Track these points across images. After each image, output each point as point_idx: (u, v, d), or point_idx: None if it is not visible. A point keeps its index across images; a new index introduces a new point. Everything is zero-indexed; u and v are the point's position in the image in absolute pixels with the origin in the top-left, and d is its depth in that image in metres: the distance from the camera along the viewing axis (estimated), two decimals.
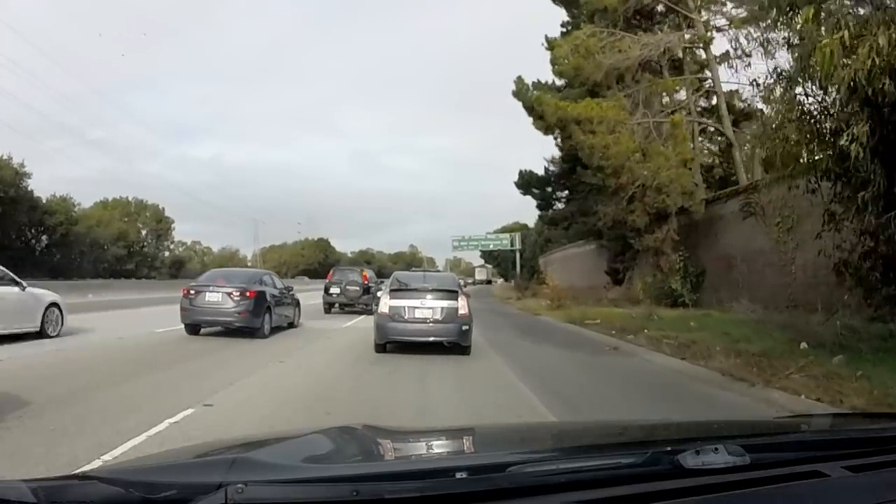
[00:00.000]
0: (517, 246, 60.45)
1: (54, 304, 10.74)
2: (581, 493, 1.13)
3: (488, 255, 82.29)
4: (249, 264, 76.61)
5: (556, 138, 24.40)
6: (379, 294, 11.82)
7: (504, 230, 70.35)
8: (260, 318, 11.55)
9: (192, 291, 11.64)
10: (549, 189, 32.17)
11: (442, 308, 9.55)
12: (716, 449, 1.21)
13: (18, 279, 10.30)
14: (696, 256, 18.84)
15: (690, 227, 19.22)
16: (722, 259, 17.74)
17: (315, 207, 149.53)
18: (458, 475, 1.13)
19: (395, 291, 9.88)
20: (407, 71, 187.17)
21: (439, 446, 1.80)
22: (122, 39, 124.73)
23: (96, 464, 3.77)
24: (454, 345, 9.58)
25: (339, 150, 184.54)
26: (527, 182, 32.37)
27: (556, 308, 21.04)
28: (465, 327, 9.54)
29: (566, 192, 30.86)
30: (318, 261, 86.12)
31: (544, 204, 34.73)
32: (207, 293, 11.51)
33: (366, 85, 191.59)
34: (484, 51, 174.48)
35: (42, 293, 10.83)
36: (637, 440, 1.74)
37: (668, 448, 1.25)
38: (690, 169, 19.29)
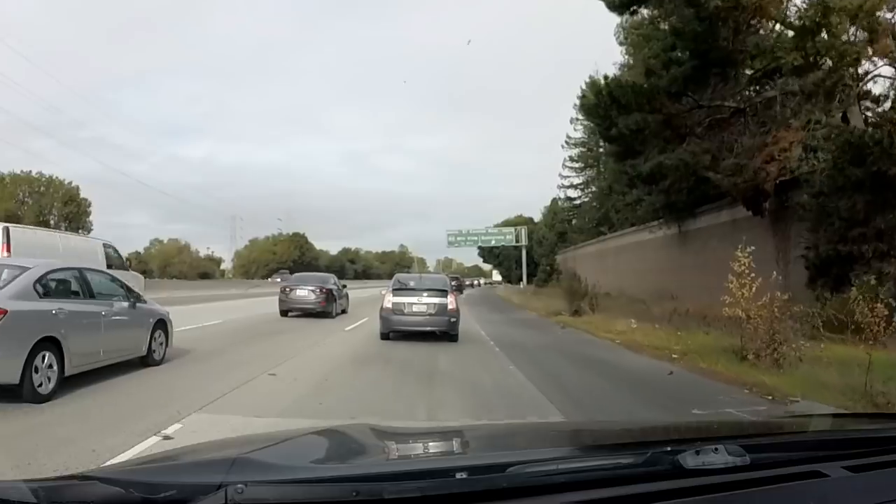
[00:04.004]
0: (523, 242, 53.77)
1: None
2: (581, 493, 1.13)
3: (488, 253, 76.75)
4: (225, 265, 71.61)
5: None
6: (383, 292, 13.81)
7: (507, 224, 63.70)
8: (331, 306, 17.40)
9: (287, 289, 17.57)
10: (654, 110, 15.39)
11: (435, 304, 11.47)
12: (716, 449, 1.21)
13: None
14: None
15: None
16: None
17: (307, 209, 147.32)
18: (459, 475, 1.13)
19: (397, 290, 11.73)
20: (402, 72, 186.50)
21: (439, 446, 1.80)
22: (114, 38, 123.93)
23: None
24: (444, 333, 11.52)
25: (330, 151, 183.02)
26: (607, 99, 16.26)
27: (770, 356, 8.56)
28: (452, 319, 11.50)
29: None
30: (292, 259, 76.97)
31: (630, 137, 16.34)
32: (297, 290, 17.34)
33: (359, 85, 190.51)
34: (479, 53, 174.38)
35: None
36: (637, 440, 1.74)
37: (668, 448, 1.25)
38: None
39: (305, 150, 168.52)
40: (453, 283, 34.02)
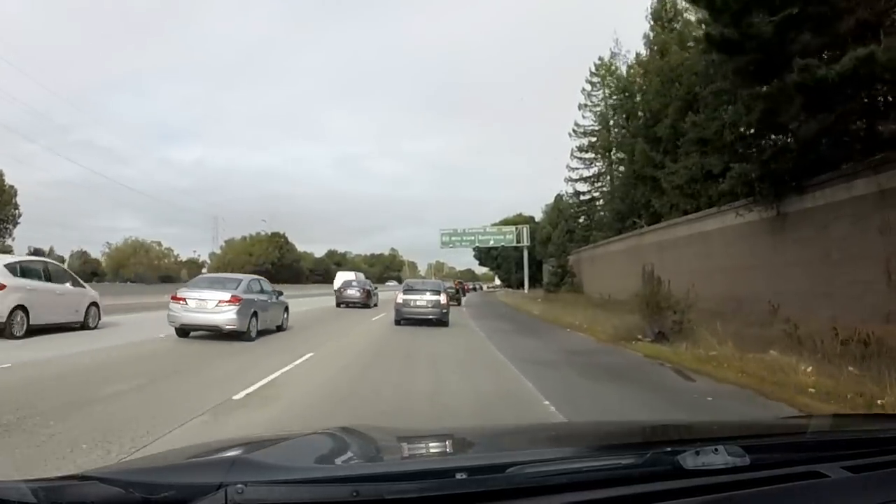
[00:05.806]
0: (525, 242, 49.93)
1: None
2: (581, 493, 1.13)
3: (485, 255, 72.60)
4: (205, 269, 66.52)
5: None
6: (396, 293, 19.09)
7: (506, 223, 59.20)
8: (370, 300, 26.21)
9: (341, 288, 26.87)
10: None
11: (432, 300, 16.45)
12: (715, 450, 1.21)
13: None
14: None
15: None
16: None
17: (299, 212, 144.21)
18: (458, 476, 1.13)
19: (406, 291, 16.95)
20: (396, 76, 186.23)
21: (439, 447, 1.80)
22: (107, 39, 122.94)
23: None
24: (438, 321, 16.15)
25: (323, 155, 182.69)
26: None
27: None
28: (444, 311, 16.45)
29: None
30: (270, 261, 70.38)
31: (774, 35, 11.47)
32: (348, 289, 26.36)
33: (352, 88, 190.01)
34: (476, 55, 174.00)
35: None
36: (637, 441, 1.74)
37: (668, 449, 1.25)
38: None
39: (298, 153, 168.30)
40: (458, 286, 39.88)
